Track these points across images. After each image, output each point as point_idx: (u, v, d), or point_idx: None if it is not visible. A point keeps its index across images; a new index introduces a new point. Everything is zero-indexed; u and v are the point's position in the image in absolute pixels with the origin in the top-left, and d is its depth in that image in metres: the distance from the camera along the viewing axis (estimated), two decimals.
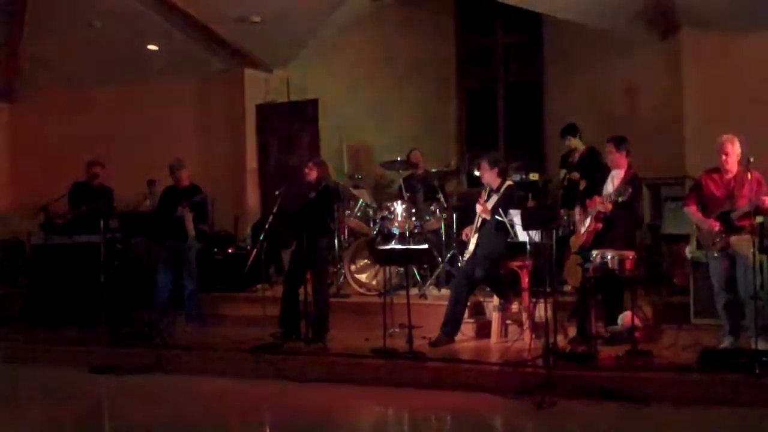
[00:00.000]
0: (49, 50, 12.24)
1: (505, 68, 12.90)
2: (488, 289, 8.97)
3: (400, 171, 10.65)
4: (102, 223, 9.54)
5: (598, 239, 8.09)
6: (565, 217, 9.14)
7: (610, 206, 7.95)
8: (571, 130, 10.01)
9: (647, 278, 9.13)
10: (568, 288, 9.17)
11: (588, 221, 8.21)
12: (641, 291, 8.58)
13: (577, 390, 6.99)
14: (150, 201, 10.16)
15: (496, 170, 8.78)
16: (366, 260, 10.26)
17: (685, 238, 8.56)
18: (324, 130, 12.57)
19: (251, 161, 12.89)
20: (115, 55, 12.28)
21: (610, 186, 8.19)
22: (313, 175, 9.14)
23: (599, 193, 8.27)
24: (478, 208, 8.71)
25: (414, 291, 9.40)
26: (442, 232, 10.21)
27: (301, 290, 8.74)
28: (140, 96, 12.97)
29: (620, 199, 7.81)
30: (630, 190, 7.81)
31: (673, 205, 9.57)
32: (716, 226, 7.53)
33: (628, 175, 8.11)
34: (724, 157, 7.55)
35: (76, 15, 11.51)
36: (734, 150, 7.56)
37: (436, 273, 10.07)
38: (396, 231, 9.91)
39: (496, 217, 8.47)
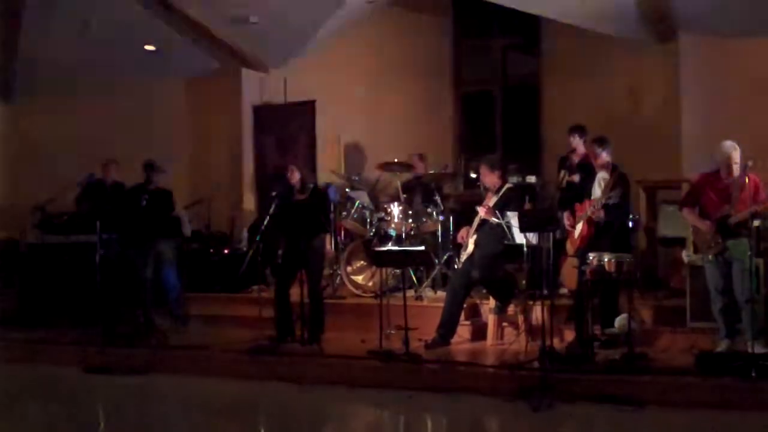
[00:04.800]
0: (45, 50, 12.20)
1: (502, 70, 12.90)
2: (485, 291, 8.97)
3: (398, 173, 10.65)
4: (98, 223, 9.54)
5: (593, 243, 8.07)
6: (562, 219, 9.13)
7: (602, 213, 7.93)
8: (580, 129, 9.99)
9: (644, 281, 9.14)
10: (564, 291, 9.16)
11: (580, 225, 8.20)
12: (638, 294, 8.58)
13: (574, 393, 6.99)
14: (146, 201, 10.11)
15: (497, 173, 8.79)
16: (362, 262, 10.25)
17: (681, 242, 8.58)
18: (321, 131, 12.57)
19: (248, 162, 12.88)
20: (112, 54, 12.24)
21: (598, 189, 8.16)
22: (295, 177, 9.14)
23: (590, 196, 8.26)
24: (481, 210, 8.69)
25: (410, 293, 9.39)
26: (439, 234, 10.21)
27: (295, 291, 8.74)
28: (137, 95, 12.94)
29: (611, 202, 7.80)
30: (620, 191, 7.79)
31: (669, 209, 9.57)
32: (713, 227, 7.51)
33: (614, 175, 8.07)
34: (734, 166, 7.50)
35: (72, 15, 11.47)
36: (738, 157, 7.54)
37: (432, 275, 10.06)
38: (392, 232, 9.93)
39: (493, 219, 8.47)
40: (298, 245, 8.80)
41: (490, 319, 8.80)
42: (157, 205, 9.83)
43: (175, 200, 10.13)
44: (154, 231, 9.76)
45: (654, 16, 10.41)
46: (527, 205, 9.37)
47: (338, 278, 10.30)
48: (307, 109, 12.51)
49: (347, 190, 10.92)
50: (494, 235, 8.53)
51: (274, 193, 9.24)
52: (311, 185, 9.19)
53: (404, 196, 10.33)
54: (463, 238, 8.92)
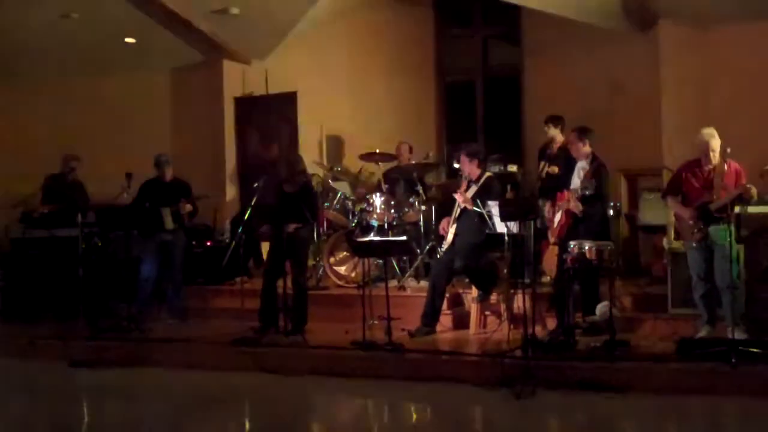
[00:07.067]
0: (25, 41, 12.14)
1: (484, 60, 12.93)
2: (467, 280, 8.99)
3: (380, 163, 10.67)
4: (79, 216, 9.50)
5: (571, 233, 8.11)
6: (543, 209, 9.16)
7: (580, 207, 7.97)
8: (554, 119, 10.00)
9: (625, 269, 9.18)
10: (546, 279, 9.20)
11: (559, 215, 8.24)
12: (619, 281, 8.62)
13: (556, 380, 7.03)
14: (128, 194, 10.09)
15: (476, 161, 8.79)
16: (345, 252, 10.26)
17: (662, 229, 8.63)
18: (303, 122, 12.55)
19: (230, 154, 12.85)
20: (93, 46, 12.19)
21: (577, 179, 8.18)
22: (284, 169, 9.14)
23: (569, 186, 8.29)
24: (458, 197, 8.71)
25: (393, 283, 9.42)
26: (421, 224, 10.22)
27: (280, 283, 8.75)
28: (118, 88, 12.90)
29: (587, 193, 7.83)
30: (595, 183, 7.82)
31: (650, 196, 9.63)
32: (696, 216, 7.55)
33: (593, 166, 8.08)
34: (711, 153, 7.55)
35: (52, 6, 11.42)
36: (717, 144, 7.58)
37: (414, 265, 10.08)
38: (375, 223, 9.92)
39: (474, 208, 8.49)
40: (283, 236, 8.81)
41: (473, 308, 8.83)
42: (178, 196, 9.87)
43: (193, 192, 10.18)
44: (155, 224, 9.75)
45: (635, 5, 10.45)
46: (509, 194, 9.40)
47: (321, 269, 10.31)
48: (289, 100, 12.49)
49: (329, 180, 10.91)
50: (475, 225, 8.55)
51: (256, 185, 9.23)
52: (302, 180, 9.18)
53: (386, 186, 10.34)
54: (444, 229, 8.93)
